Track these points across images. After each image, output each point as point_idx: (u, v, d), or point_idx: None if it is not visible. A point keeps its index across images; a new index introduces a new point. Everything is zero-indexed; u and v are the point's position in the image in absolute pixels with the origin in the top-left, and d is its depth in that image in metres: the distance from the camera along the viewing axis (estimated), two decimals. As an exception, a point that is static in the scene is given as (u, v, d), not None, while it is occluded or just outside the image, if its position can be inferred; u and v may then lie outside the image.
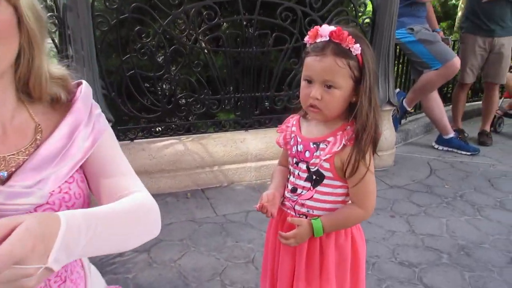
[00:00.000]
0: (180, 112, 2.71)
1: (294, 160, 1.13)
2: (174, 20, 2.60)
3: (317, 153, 1.06)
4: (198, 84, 2.64)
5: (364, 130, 1.01)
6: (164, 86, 2.80)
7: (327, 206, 1.10)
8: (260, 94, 2.75)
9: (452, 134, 3.50)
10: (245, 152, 2.73)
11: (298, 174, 1.12)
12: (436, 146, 3.57)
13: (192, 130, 2.72)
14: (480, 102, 4.12)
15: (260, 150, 2.76)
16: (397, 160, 3.25)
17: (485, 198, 2.67)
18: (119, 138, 2.09)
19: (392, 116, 3.54)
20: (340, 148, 1.03)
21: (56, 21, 2.14)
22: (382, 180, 2.89)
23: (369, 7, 2.97)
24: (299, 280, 1.16)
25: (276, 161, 1.32)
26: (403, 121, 3.91)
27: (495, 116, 4.06)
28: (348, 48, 0.97)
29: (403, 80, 4.02)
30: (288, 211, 1.16)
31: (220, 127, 2.77)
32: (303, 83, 1.05)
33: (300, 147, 1.10)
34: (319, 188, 1.09)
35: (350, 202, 1.12)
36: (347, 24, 2.85)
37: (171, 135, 2.65)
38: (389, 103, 3.00)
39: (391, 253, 2.05)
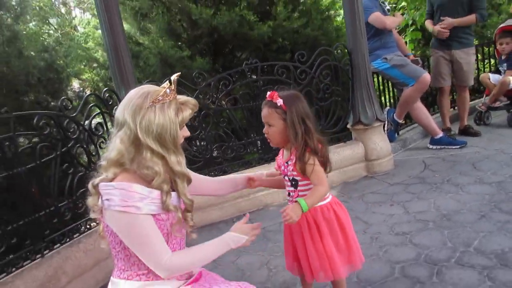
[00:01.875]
0: (216, 159, 3.56)
1: (283, 175, 1.82)
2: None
3: (288, 168, 1.75)
4: (226, 135, 3.50)
5: (298, 148, 1.65)
6: (201, 142, 3.66)
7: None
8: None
9: (441, 134, 4.18)
10: (271, 179, 3.52)
11: (287, 183, 1.81)
12: (430, 147, 4.23)
13: (227, 171, 3.54)
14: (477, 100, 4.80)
15: (283, 176, 3.55)
16: (397, 164, 3.93)
17: (467, 178, 3.30)
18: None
19: (387, 130, 4.29)
20: (295, 161, 1.70)
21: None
22: (384, 180, 3.60)
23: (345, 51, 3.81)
24: (309, 246, 1.75)
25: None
26: (401, 131, 4.64)
27: (481, 111, 4.73)
28: (275, 102, 1.67)
29: (391, 99, 4.78)
30: None
31: (248, 165, 3.59)
32: None
33: (282, 167, 1.81)
34: (298, 188, 1.76)
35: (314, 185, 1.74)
36: (330, 68, 3.69)
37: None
38: (377, 120, 3.75)
39: (389, 229, 2.74)
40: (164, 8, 4.39)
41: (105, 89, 3.14)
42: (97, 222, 1.62)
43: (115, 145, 1.45)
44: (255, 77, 3.58)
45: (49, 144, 2.63)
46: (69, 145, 2.68)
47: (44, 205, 2.53)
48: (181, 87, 3.37)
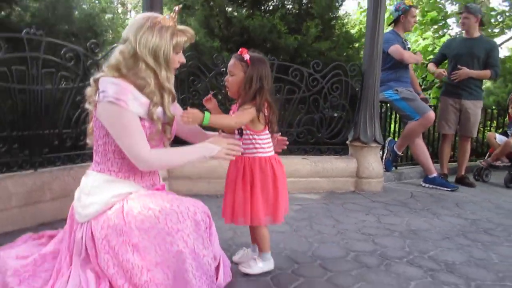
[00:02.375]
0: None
1: None
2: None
3: None
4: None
5: (246, 98, 1.85)
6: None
7: None
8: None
9: (435, 174, 4.29)
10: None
11: (236, 133, 1.97)
12: (423, 184, 4.34)
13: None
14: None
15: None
16: (386, 189, 4.05)
17: (447, 211, 3.40)
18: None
19: (385, 159, 4.44)
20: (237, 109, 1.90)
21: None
22: (368, 197, 3.72)
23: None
24: (238, 190, 1.91)
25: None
26: (400, 167, 4.78)
27: (482, 167, 4.82)
28: (243, 56, 1.86)
29: (396, 130, 4.96)
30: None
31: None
32: None
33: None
34: (244, 135, 1.94)
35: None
36: (341, 82, 3.91)
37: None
38: (375, 141, 3.91)
39: (357, 229, 2.85)
40: (204, 2, 4.75)
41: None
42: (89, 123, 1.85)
43: (115, 55, 1.71)
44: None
45: (69, 75, 2.91)
46: (86, 83, 2.94)
47: (50, 126, 2.78)
48: (199, 69, 3.66)
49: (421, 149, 4.33)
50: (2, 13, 4.20)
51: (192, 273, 1.59)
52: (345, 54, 5.06)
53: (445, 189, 4.19)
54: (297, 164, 3.80)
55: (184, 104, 3.44)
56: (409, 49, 4.45)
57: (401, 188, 4.23)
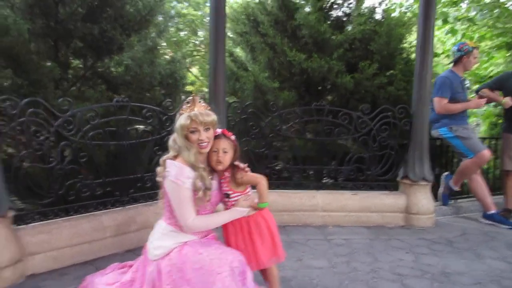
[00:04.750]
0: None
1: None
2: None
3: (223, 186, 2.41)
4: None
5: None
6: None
7: None
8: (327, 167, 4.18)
9: (493, 211, 4.30)
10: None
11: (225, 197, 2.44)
12: (481, 220, 4.37)
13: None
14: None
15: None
16: (438, 224, 4.20)
17: (492, 253, 3.48)
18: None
19: (442, 194, 4.58)
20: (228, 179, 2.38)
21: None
22: (416, 233, 3.92)
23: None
24: (240, 243, 2.35)
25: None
26: (460, 200, 4.85)
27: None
28: (229, 137, 2.35)
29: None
30: None
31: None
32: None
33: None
34: (231, 198, 2.39)
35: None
36: (389, 124, 4.17)
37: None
38: (424, 179, 4.09)
39: (391, 268, 3.12)
40: (267, 46, 5.30)
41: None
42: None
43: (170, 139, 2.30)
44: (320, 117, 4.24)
45: (149, 130, 3.63)
46: (163, 134, 3.63)
47: (134, 171, 3.49)
48: (259, 112, 4.18)
49: (479, 184, 4.37)
50: (99, 63, 5.14)
51: (227, 307, 2.10)
52: (403, 87, 5.24)
53: (504, 226, 4.20)
54: (348, 199, 4.14)
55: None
56: (468, 88, 4.50)
57: (456, 223, 4.32)
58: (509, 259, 3.38)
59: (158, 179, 2.36)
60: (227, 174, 2.38)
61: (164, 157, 2.32)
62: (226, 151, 2.34)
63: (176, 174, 2.18)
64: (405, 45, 5.54)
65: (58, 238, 2.95)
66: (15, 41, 4.11)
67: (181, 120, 2.25)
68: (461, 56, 4.35)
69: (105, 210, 3.33)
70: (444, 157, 5.03)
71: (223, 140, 2.35)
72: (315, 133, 4.26)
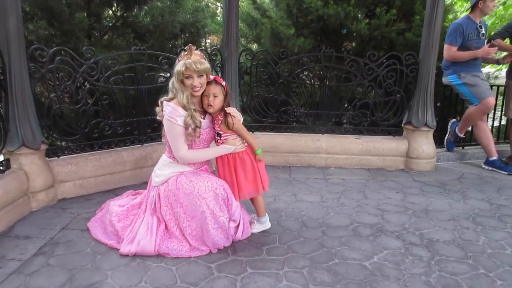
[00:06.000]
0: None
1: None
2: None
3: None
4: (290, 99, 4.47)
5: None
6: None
7: None
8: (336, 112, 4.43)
9: (495, 157, 4.42)
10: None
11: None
12: (483, 166, 4.51)
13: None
14: None
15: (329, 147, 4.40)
16: (438, 169, 4.40)
17: (480, 195, 3.68)
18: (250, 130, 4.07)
19: (447, 140, 4.72)
20: (220, 122, 2.69)
21: (220, 65, 4.26)
22: (412, 176, 4.16)
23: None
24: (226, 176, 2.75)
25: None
26: (467, 147, 4.96)
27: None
28: (220, 82, 2.64)
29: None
30: None
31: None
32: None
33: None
34: (222, 137, 2.78)
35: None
36: (396, 70, 4.28)
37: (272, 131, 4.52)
38: (426, 125, 4.25)
39: (376, 205, 3.43)
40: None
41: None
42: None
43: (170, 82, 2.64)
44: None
45: (164, 75, 3.99)
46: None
47: (151, 113, 3.91)
48: (268, 57, 4.42)
49: (483, 131, 4.46)
50: (128, 13, 5.49)
51: (211, 226, 2.54)
52: (420, 34, 5.22)
53: (504, 172, 4.33)
54: (351, 143, 4.40)
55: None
56: (483, 34, 4.44)
57: (456, 168, 4.50)
58: (493, 200, 3.58)
59: (158, 118, 2.74)
60: (220, 117, 2.72)
61: (162, 98, 2.68)
62: (216, 95, 2.64)
63: (170, 113, 2.55)
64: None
65: (84, 169, 3.47)
66: (49, -7, 4.50)
67: (178, 66, 2.57)
68: (477, 2, 4.29)
69: (125, 147, 3.80)
70: (453, 105, 5.08)
71: (214, 86, 2.65)
72: (323, 79, 4.45)
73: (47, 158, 3.34)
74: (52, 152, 3.41)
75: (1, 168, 3.00)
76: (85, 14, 5.05)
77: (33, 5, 4.80)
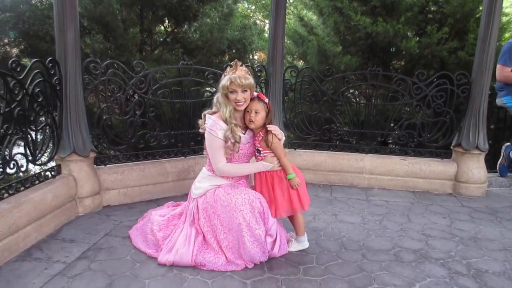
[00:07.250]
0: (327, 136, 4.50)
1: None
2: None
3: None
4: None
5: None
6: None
7: None
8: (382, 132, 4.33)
9: (553, 185, 4.13)
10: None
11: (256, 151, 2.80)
12: (540, 194, 4.23)
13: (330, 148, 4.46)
14: None
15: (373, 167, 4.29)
16: (489, 195, 4.16)
17: (536, 225, 3.45)
18: (292, 147, 4.10)
19: (500, 164, 4.48)
20: (261, 138, 2.69)
21: (264, 81, 4.29)
22: (460, 202, 3.95)
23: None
24: (265, 194, 2.72)
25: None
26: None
27: None
28: (263, 99, 2.64)
29: None
30: None
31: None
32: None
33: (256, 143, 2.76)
34: (261, 154, 2.78)
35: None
36: (446, 91, 4.13)
37: (315, 150, 4.47)
38: (477, 148, 4.05)
39: (421, 230, 3.28)
40: (334, 10, 5.37)
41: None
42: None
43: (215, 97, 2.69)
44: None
45: (210, 91, 4.07)
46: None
47: (195, 127, 3.99)
48: (313, 74, 4.41)
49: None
50: (178, 29, 5.70)
51: (247, 239, 2.54)
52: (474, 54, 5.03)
53: None
54: (396, 164, 4.26)
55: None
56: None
57: (509, 195, 4.22)
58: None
59: (200, 130, 2.79)
60: (261, 133, 2.73)
61: (205, 111, 2.74)
62: (258, 112, 2.66)
63: (211, 125, 2.59)
64: (481, 7, 5.24)
65: (129, 178, 3.58)
66: (105, 10, 4.77)
67: (223, 81, 2.62)
68: None
69: (168, 158, 3.90)
70: (507, 127, 4.82)
71: (257, 102, 2.68)
72: (369, 98, 4.37)
73: (95, 165, 3.48)
74: (100, 160, 3.56)
75: (52, 173, 3.16)
76: (138, 30, 5.28)
77: (90, 20, 5.09)
